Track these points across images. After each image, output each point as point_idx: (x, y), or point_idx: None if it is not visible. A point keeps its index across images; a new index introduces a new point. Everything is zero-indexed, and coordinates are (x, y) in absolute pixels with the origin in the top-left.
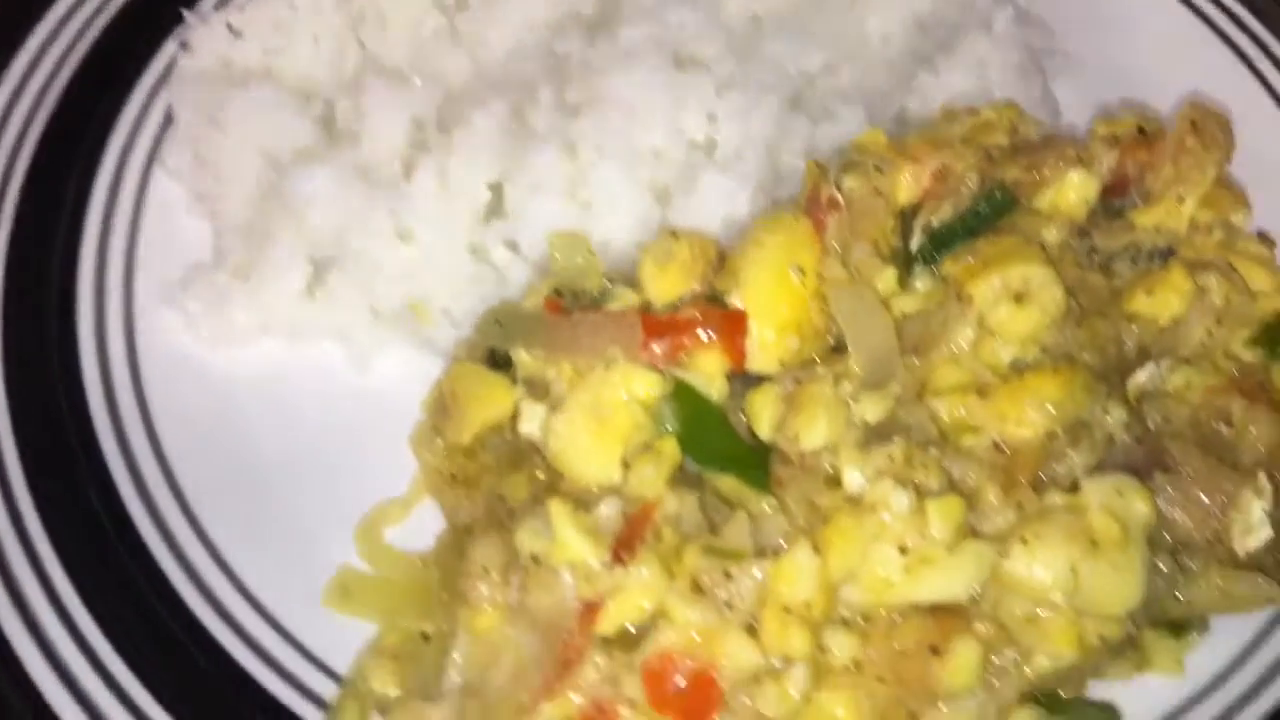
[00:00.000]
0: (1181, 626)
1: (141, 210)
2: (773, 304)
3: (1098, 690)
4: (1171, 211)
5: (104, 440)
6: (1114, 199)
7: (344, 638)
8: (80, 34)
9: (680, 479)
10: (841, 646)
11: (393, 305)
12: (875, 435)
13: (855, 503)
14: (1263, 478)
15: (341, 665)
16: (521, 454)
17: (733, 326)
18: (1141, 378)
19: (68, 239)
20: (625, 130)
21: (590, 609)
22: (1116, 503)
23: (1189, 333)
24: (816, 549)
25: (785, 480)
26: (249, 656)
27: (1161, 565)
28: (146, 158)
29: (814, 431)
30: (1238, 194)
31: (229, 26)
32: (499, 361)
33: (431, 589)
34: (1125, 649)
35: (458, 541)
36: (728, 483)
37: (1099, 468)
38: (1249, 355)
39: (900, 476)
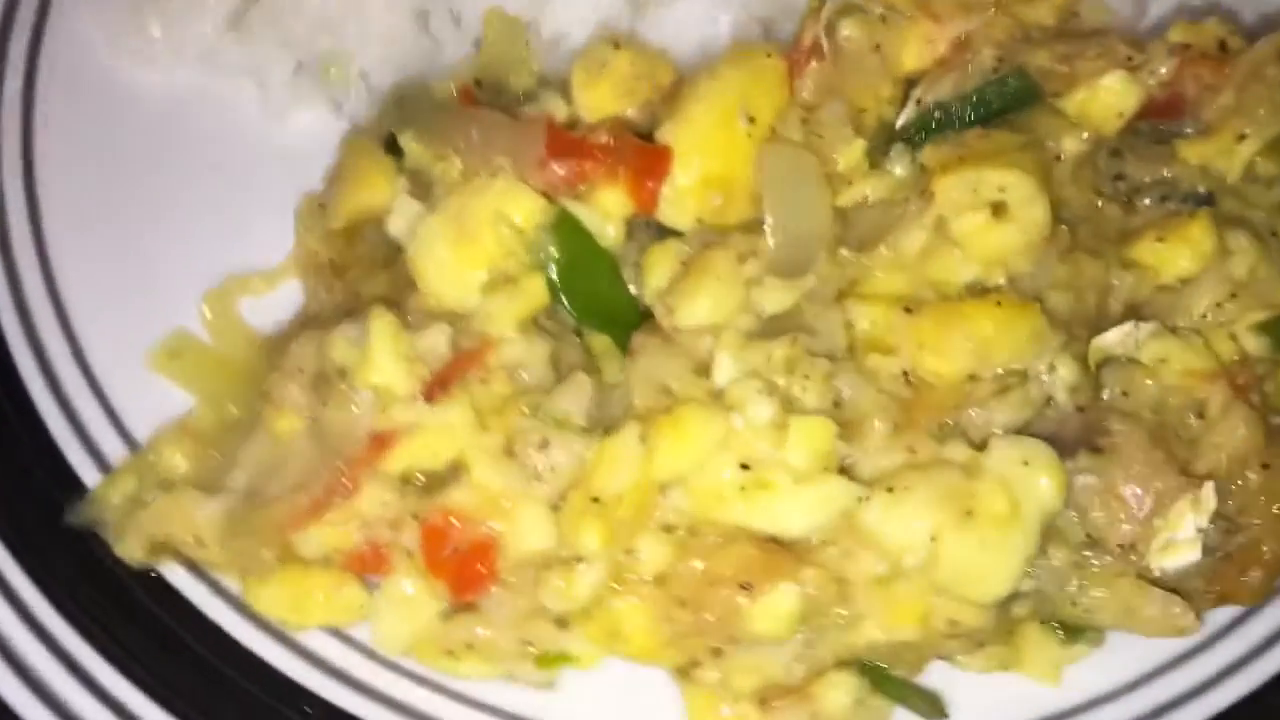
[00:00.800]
0: (1073, 631)
1: None
2: (706, 148)
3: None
4: (1225, 150)
5: None
6: (1166, 122)
7: (158, 407)
8: None
9: (553, 329)
10: (651, 555)
11: (313, 53)
12: (771, 330)
13: (713, 399)
14: (1209, 490)
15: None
16: (395, 254)
17: (651, 164)
18: (1112, 337)
19: None
20: None
21: (379, 441)
22: (1018, 474)
23: (1193, 299)
24: (644, 438)
25: (639, 352)
26: (51, 405)
27: (1056, 560)
28: None
29: (694, 305)
30: None
31: None
32: (397, 147)
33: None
34: (989, 640)
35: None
36: (603, 344)
37: (1023, 430)
38: (1253, 344)
39: (774, 382)
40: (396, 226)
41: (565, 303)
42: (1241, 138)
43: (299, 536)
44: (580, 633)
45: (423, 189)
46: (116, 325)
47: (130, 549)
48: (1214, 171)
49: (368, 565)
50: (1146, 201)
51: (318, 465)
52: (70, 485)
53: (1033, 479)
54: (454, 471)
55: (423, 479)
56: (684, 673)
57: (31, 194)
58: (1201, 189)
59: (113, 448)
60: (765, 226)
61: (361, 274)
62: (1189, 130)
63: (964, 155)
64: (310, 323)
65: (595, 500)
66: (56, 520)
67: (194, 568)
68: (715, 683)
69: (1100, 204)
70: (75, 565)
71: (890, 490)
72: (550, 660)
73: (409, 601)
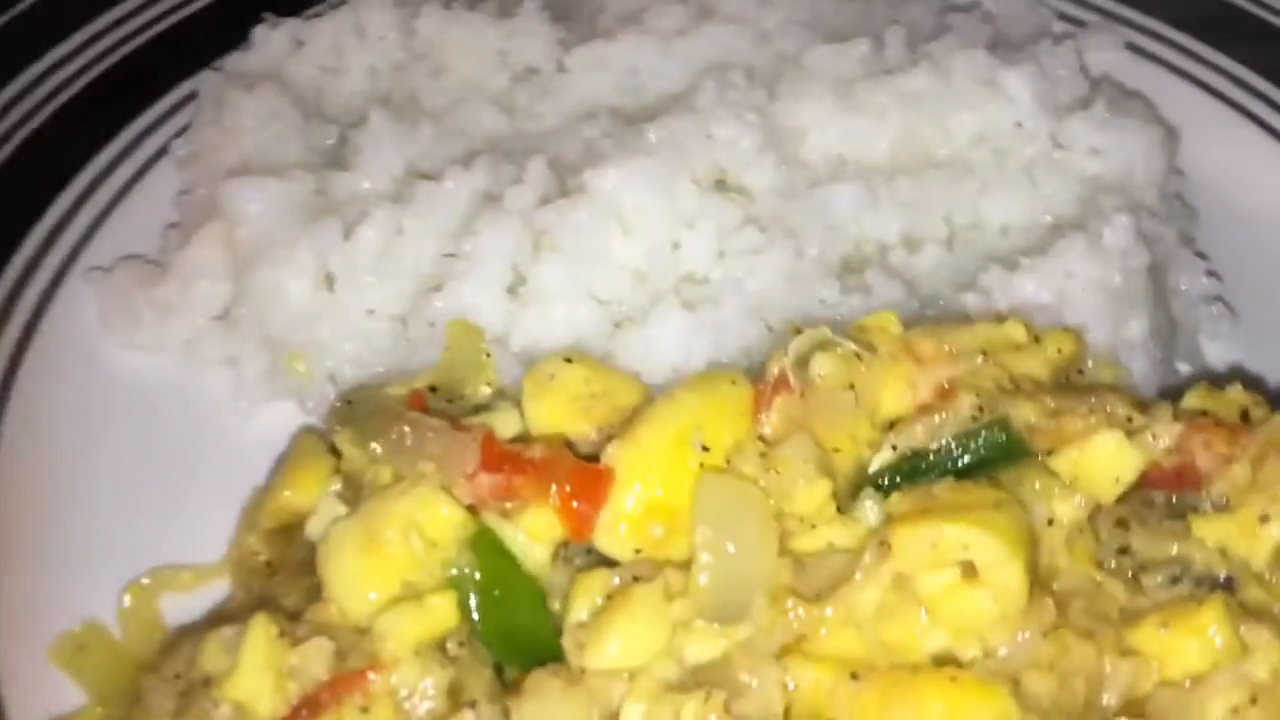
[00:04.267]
0: None
1: (128, 194)
2: (651, 474)
3: None
4: (1247, 531)
5: None
6: (1182, 494)
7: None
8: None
9: (466, 658)
10: None
11: (289, 348)
12: (695, 682)
13: None
14: None
15: None
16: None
17: (588, 486)
18: None
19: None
20: (601, 231)
21: None
22: None
23: (1206, 702)
24: None
25: (531, 693)
26: None
27: None
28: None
29: (607, 644)
30: None
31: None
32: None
33: None
34: None
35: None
36: None
37: None
38: None
39: None
40: (314, 529)
41: (479, 626)
42: (1265, 519)
43: None
44: None
45: (355, 494)
46: (30, 608)
47: None
48: (1233, 555)
49: None
50: (1157, 581)
51: None
52: None
53: None
54: None
55: None
56: None
57: None
58: (1220, 573)
59: None
60: (696, 563)
61: (286, 579)
62: (1207, 505)
63: (928, 507)
64: (218, 620)
65: None
66: None
67: None
68: None
69: (1100, 579)
70: None
71: None
72: None
73: None
